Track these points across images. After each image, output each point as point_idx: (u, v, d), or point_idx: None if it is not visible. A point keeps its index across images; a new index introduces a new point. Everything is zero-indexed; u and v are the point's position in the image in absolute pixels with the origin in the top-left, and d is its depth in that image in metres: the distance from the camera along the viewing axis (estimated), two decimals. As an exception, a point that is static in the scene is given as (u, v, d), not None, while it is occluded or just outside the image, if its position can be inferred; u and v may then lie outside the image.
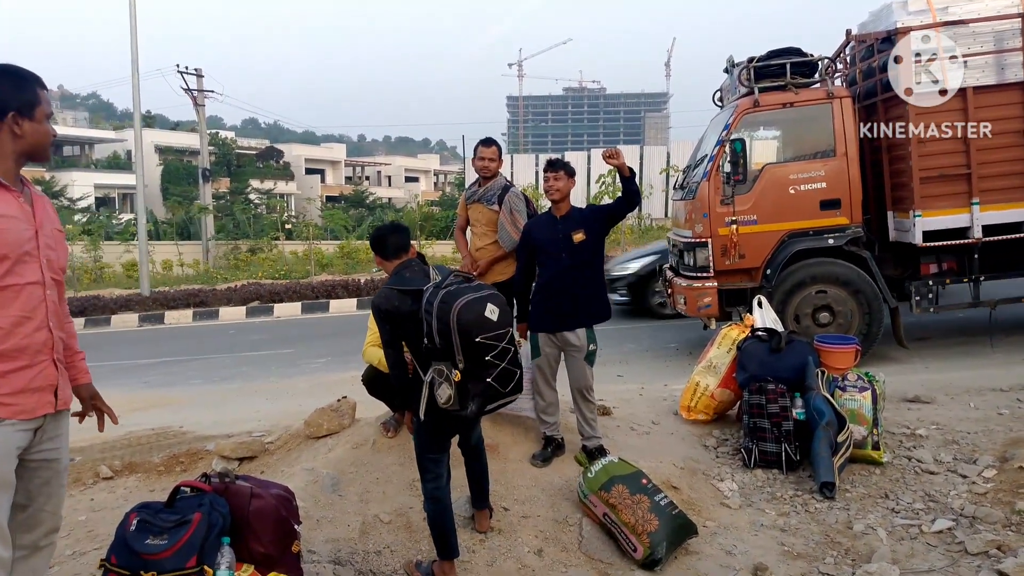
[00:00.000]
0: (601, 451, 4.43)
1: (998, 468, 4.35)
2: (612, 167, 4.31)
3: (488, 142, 4.98)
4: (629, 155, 25.11)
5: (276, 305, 15.52)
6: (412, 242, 3.61)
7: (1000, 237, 6.95)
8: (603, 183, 22.10)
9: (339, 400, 5.11)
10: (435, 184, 65.58)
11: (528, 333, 4.58)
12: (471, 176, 5.14)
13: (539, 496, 4.18)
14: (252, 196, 39.94)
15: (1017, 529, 3.76)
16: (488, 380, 3.02)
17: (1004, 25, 6.74)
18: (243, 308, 15.56)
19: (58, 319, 2.46)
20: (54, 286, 2.44)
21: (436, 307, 3.00)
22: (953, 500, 4.12)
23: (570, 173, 4.44)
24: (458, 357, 2.98)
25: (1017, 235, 6.94)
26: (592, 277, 4.43)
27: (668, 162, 23.04)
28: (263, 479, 3.28)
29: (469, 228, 5.20)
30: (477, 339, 2.96)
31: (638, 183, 4.45)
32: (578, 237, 4.32)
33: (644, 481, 3.86)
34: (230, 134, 52.64)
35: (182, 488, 2.83)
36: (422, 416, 3.24)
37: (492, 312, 3.02)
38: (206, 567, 2.58)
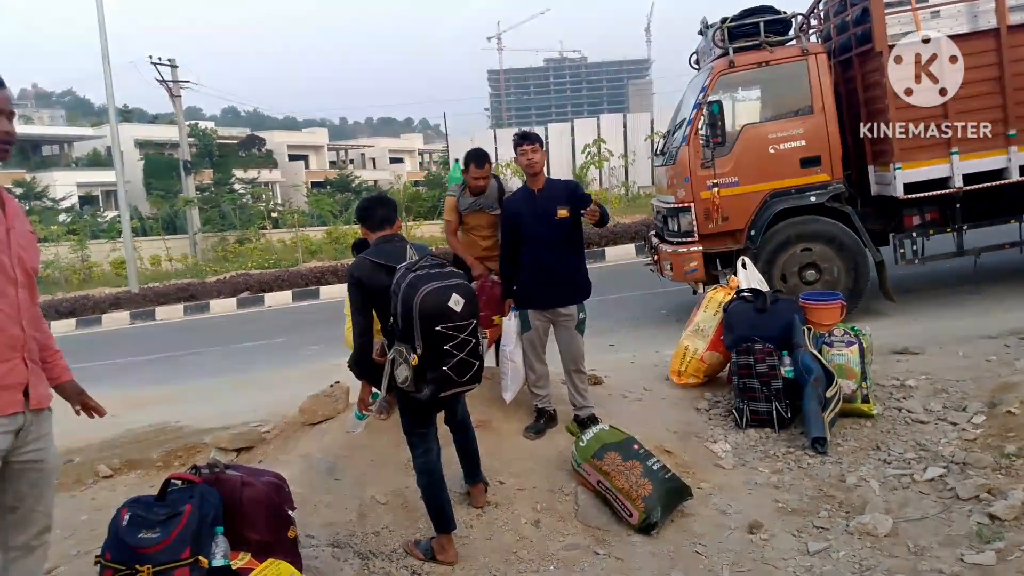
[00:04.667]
0: (593, 420, 4.46)
1: (987, 414, 4.38)
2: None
3: (480, 162, 4.77)
4: (613, 123, 24.96)
5: (267, 295, 15.48)
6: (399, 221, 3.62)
7: (981, 185, 6.95)
8: (588, 153, 22.02)
9: (332, 385, 5.11)
10: (420, 164, 65.13)
11: (511, 308, 4.59)
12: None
13: (534, 468, 4.21)
14: (236, 186, 39.53)
15: (1007, 472, 3.80)
16: (444, 368, 3.07)
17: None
18: (233, 300, 15.53)
19: (31, 318, 2.44)
20: (27, 285, 2.42)
21: (402, 289, 3.03)
22: (944, 448, 4.16)
23: (543, 144, 4.45)
24: (417, 342, 3.02)
25: (997, 182, 6.95)
26: (575, 252, 4.46)
27: (652, 128, 22.93)
28: (254, 467, 3.30)
29: (462, 230, 5.16)
30: (437, 328, 3.00)
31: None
32: (562, 214, 4.33)
33: (636, 447, 3.89)
34: (210, 124, 51.75)
35: (172, 481, 2.85)
36: (383, 391, 3.31)
37: (456, 303, 3.04)
38: (200, 557, 2.60)
